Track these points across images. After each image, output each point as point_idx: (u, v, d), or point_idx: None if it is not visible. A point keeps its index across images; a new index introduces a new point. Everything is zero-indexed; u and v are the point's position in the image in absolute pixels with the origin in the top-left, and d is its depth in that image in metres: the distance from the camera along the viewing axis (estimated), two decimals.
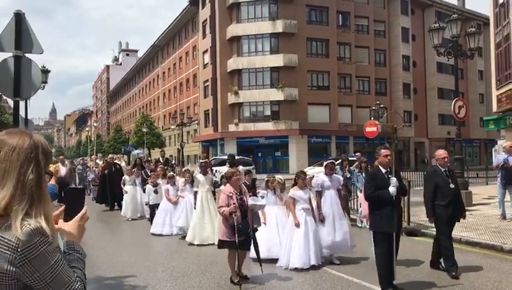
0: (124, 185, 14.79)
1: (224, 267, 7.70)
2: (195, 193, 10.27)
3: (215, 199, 10.01)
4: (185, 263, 8.19)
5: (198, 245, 9.62)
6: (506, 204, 11.62)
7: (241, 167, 13.01)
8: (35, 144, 1.57)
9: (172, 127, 40.12)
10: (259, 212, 7.44)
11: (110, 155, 21.63)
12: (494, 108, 23.29)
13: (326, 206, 8.00)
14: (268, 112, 41.69)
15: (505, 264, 7.58)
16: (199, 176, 10.35)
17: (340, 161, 13.68)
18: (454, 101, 14.48)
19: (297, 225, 7.53)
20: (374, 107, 28.16)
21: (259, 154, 41.09)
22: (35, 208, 1.51)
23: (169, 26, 57.39)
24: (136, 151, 52.65)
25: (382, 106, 29.20)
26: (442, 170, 7.06)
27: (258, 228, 7.14)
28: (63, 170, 17.03)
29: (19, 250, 1.42)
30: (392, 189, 5.89)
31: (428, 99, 52.50)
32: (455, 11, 17.05)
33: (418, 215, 12.02)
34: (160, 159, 19.93)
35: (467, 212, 13.10)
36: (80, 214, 1.74)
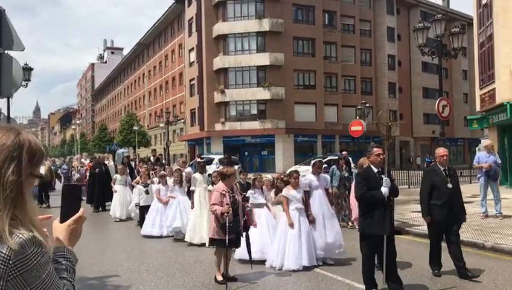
0: (114, 184, 14.44)
1: (208, 267, 7.68)
2: (193, 192, 10.09)
3: None
4: (169, 263, 8.13)
5: (199, 245, 9.35)
6: (488, 202, 11.77)
7: (236, 167, 13.00)
8: (21, 142, 1.42)
9: (161, 125, 39.86)
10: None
11: (100, 155, 21.00)
12: (478, 107, 23.58)
13: (315, 206, 7.85)
14: (254, 111, 41.69)
15: (486, 262, 7.67)
16: (197, 175, 10.27)
17: (336, 159, 13.40)
18: (438, 100, 14.60)
19: (291, 225, 7.37)
20: (359, 107, 28.39)
21: (246, 153, 41.08)
22: (19, 214, 1.38)
23: (155, 24, 57.02)
24: (121, 150, 52.26)
25: (368, 105, 29.46)
26: (442, 168, 6.84)
27: (255, 224, 7.16)
28: (41, 169, 16.76)
29: (10, 262, 1.30)
30: (384, 189, 5.66)
31: (413, 99, 52.98)
32: (439, 11, 17.21)
33: (403, 213, 12.14)
34: (151, 158, 19.48)
35: None
36: (74, 217, 1.58)
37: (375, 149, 5.99)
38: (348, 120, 30.77)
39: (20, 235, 1.34)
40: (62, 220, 1.57)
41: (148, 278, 7.08)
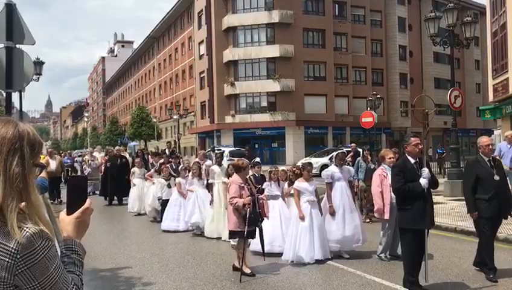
0: (133, 178, 14.05)
1: (220, 258, 7.72)
2: (211, 185, 9.90)
3: None
4: (181, 254, 8.19)
5: (212, 239, 9.31)
6: None
7: (257, 159, 12.67)
8: (21, 133, 1.42)
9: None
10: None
11: (117, 147, 20.47)
12: (491, 98, 23.29)
13: (336, 198, 7.70)
14: (264, 103, 41.62)
15: (499, 253, 7.58)
16: (215, 168, 10.10)
17: (362, 151, 12.70)
18: (450, 90, 14.47)
19: (302, 218, 7.30)
20: (370, 98, 28.20)
21: (256, 146, 41.08)
22: (26, 206, 1.38)
23: (164, 16, 57.05)
24: (132, 143, 52.62)
25: (379, 96, 29.21)
26: (486, 159, 6.23)
27: (268, 215, 7.18)
28: (52, 164, 15.87)
29: (18, 256, 1.31)
30: (423, 181, 5.34)
31: (425, 89, 52.42)
32: (451, 0, 16.98)
33: None
34: (166, 150, 19.02)
35: (462, 202, 13.12)
36: (81, 208, 1.56)
37: (412, 139, 5.63)
38: (359, 112, 30.60)
39: (27, 229, 1.34)
40: (69, 212, 1.56)
41: (160, 269, 7.13)
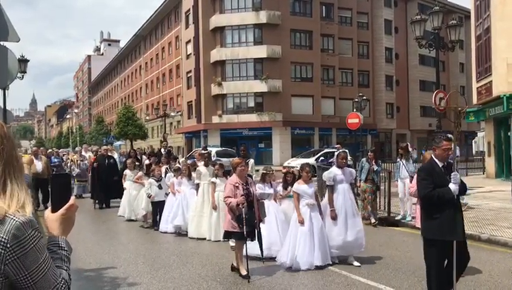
0: (124, 181, 13.02)
1: (205, 259, 7.71)
2: (198, 185, 9.83)
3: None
4: (166, 255, 8.14)
5: (197, 239, 9.25)
6: (487, 194, 11.87)
7: (252, 160, 12.59)
8: None
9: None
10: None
11: (104, 147, 19.37)
12: (475, 100, 23.62)
13: (338, 202, 7.28)
14: (252, 104, 41.64)
15: (482, 253, 7.71)
16: (202, 168, 9.99)
17: (371, 151, 12.31)
18: (435, 93, 14.63)
19: (301, 222, 6.96)
20: (356, 99, 28.40)
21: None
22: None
23: (151, 15, 56.69)
24: (118, 143, 52.19)
25: (365, 97, 29.43)
26: None
27: (264, 220, 6.97)
28: (38, 165, 14.40)
29: (8, 246, 1.32)
30: (453, 186, 4.77)
31: (410, 91, 53.02)
32: (437, 3, 17.18)
33: (398, 205, 12.16)
34: (162, 150, 17.96)
35: None
36: (66, 205, 1.57)
37: (444, 142, 5.00)
38: (345, 113, 30.78)
39: (17, 219, 1.34)
40: (54, 210, 1.57)
41: (145, 269, 7.09)
